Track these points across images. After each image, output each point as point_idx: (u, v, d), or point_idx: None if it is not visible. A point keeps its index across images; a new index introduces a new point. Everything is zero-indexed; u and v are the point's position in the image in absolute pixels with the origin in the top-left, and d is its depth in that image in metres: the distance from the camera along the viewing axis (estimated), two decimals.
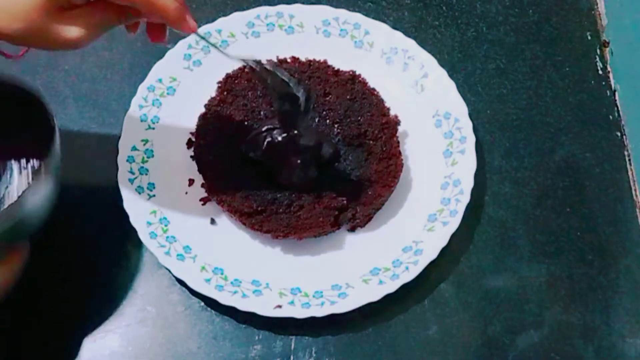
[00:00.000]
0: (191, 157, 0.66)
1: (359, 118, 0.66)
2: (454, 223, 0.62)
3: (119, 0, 0.50)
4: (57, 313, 0.61)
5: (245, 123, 0.66)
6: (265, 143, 0.63)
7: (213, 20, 0.71)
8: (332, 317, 0.59)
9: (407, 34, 0.71)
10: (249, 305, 0.59)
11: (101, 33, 0.52)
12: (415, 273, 0.60)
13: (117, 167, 0.64)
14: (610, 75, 0.74)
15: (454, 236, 0.62)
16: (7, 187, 0.58)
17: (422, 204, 0.65)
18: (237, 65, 0.68)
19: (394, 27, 0.71)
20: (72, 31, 0.50)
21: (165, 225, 0.63)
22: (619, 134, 0.71)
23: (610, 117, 0.72)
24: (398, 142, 0.65)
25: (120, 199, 0.63)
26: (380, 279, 0.61)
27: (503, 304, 0.63)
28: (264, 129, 0.64)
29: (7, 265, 0.52)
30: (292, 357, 0.60)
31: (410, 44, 0.70)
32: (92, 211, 0.65)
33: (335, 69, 0.69)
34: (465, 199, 0.63)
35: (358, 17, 0.71)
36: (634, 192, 0.68)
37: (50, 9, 0.49)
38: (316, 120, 0.66)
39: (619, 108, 0.72)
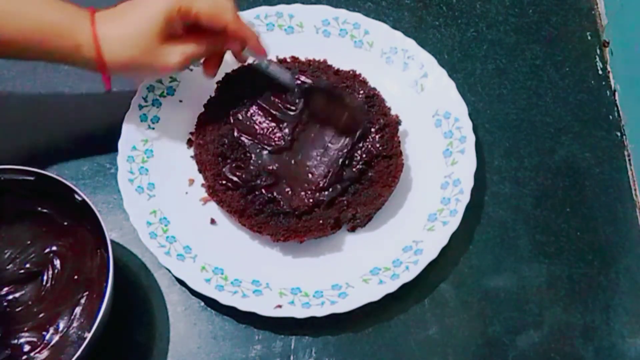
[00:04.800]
0: (191, 157, 0.66)
1: None
2: (454, 223, 0.62)
3: (212, 23, 0.59)
4: None
5: (245, 123, 0.66)
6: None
7: None
8: (332, 317, 0.59)
9: (407, 34, 0.71)
10: (249, 305, 0.59)
11: (191, 62, 0.61)
12: (415, 273, 0.60)
13: (117, 167, 0.64)
14: (610, 75, 0.74)
15: (454, 236, 0.62)
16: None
17: (422, 203, 0.65)
18: (236, 65, 0.68)
19: (394, 27, 0.71)
20: (172, 58, 0.59)
21: (165, 225, 0.63)
22: (619, 134, 0.71)
23: (610, 117, 0.72)
24: (398, 142, 0.65)
25: (120, 199, 0.63)
26: (380, 278, 0.61)
27: (503, 304, 0.63)
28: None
29: None
30: (292, 357, 0.60)
31: (410, 43, 0.70)
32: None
33: (335, 68, 0.68)
34: (465, 198, 0.63)
35: (358, 17, 0.71)
36: (634, 192, 0.68)
37: (162, 36, 0.58)
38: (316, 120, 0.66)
39: (619, 108, 0.72)
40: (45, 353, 0.57)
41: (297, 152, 0.65)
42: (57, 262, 0.60)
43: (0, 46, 0.57)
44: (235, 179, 0.62)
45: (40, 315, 0.58)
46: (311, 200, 0.62)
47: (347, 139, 0.65)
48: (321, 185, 0.63)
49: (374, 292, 0.60)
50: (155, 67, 0.59)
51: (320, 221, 0.62)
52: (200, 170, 0.64)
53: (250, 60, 0.66)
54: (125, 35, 0.58)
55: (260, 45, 0.63)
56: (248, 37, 0.62)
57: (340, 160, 0.64)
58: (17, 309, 0.59)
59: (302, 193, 0.63)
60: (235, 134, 0.65)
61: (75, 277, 0.59)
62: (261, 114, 0.66)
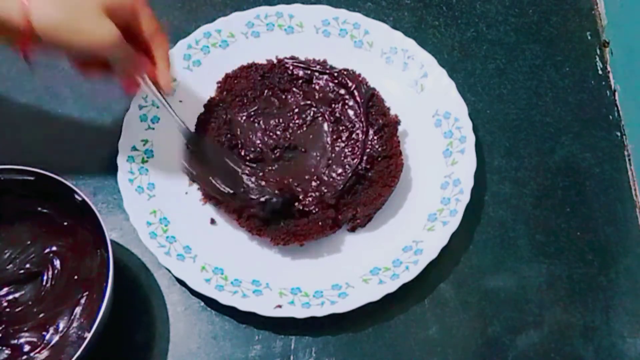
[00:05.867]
0: None
1: None
2: (454, 222, 0.62)
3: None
4: None
5: (245, 123, 0.66)
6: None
7: (213, 20, 0.71)
8: (332, 317, 0.59)
9: (407, 34, 0.71)
10: (249, 305, 0.59)
11: (120, 52, 0.57)
12: (415, 273, 0.60)
13: (117, 167, 0.64)
14: (610, 75, 0.74)
15: (454, 236, 0.62)
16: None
17: (422, 203, 0.65)
18: (236, 65, 0.68)
19: (394, 27, 0.71)
20: (108, 31, 0.54)
21: (165, 225, 0.63)
22: (619, 134, 0.71)
23: (610, 117, 0.72)
24: (398, 142, 0.65)
25: (120, 199, 0.63)
26: (380, 278, 0.61)
27: (503, 304, 0.63)
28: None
29: None
30: (292, 357, 0.60)
31: (410, 43, 0.70)
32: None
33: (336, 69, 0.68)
34: (465, 198, 0.63)
35: (358, 16, 0.71)
36: (634, 192, 0.68)
37: (104, 6, 0.54)
38: (316, 120, 0.66)
39: (619, 108, 0.72)
40: (45, 353, 0.57)
41: (297, 152, 0.65)
42: (57, 262, 0.60)
43: None
44: None
45: (40, 315, 0.58)
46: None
47: (347, 139, 0.65)
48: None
49: (374, 292, 0.60)
50: (89, 38, 0.53)
51: (320, 222, 0.62)
52: None
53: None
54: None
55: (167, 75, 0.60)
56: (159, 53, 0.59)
57: (340, 160, 0.64)
58: (17, 309, 0.59)
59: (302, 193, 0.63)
60: (235, 134, 0.65)
61: (75, 277, 0.59)
62: (261, 114, 0.66)
